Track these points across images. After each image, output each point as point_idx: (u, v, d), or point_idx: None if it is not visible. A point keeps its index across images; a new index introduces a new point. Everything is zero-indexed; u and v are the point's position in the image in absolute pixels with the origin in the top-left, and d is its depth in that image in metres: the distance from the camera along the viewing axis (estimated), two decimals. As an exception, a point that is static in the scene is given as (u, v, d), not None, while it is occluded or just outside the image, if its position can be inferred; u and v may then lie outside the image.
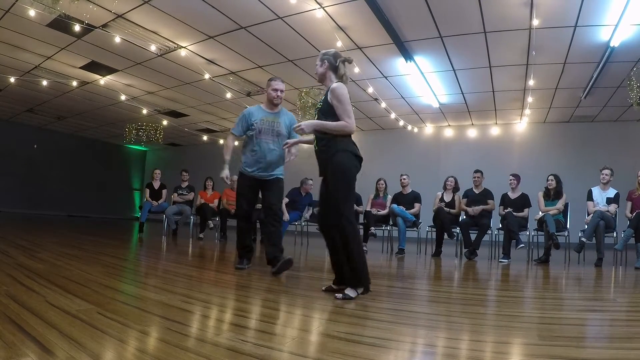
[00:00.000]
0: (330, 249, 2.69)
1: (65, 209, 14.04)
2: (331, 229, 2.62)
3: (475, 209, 6.01)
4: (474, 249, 5.83)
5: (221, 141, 14.18)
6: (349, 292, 2.45)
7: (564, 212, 5.89)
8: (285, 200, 6.66)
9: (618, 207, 5.59)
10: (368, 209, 6.77)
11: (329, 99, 2.63)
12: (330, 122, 2.57)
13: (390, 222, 6.60)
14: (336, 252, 2.62)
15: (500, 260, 5.60)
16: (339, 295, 2.44)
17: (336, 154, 2.56)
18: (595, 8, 5.06)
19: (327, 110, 2.63)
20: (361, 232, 6.70)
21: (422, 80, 7.76)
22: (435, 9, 5.40)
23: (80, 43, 6.86)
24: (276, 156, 3.57)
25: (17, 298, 1.94)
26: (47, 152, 13.93)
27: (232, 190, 7.76)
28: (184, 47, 6.92)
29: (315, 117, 2.74)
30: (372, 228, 6.41)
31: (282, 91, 3.59)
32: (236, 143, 3.73)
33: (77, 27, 6.02)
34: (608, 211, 5.47)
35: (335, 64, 2.74)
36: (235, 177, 7.85)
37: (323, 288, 2.71)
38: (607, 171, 5.74)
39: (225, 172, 3.65)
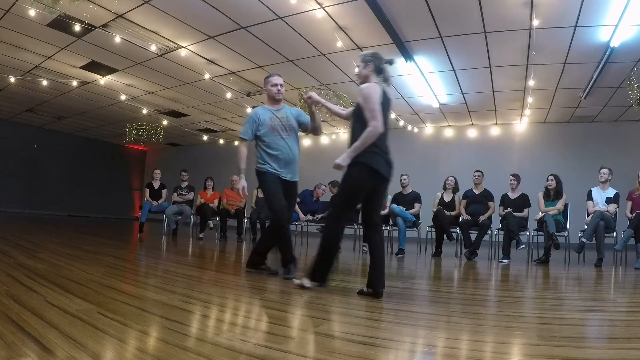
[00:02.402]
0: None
1: (65, 209, 14.03)
2: (369, 231, 2.74)
3: (480, 221, 5.97)
4: (474, 249, 5.83)
5: (221, 141, 14.20)
6: (305, 281, 2.69)
7: (564, 213, 5.89)
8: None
9: (618, 207, 5.59)
10: (368, 209, 6.76)
11: (359, 100, 2.63)
12: (358, 141, 2.54)
13: (390, 222, 6.60)
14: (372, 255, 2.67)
15: (500, 260, 5.60)
16: (297, 281, 2.73)
17: (350, 165, 2.58)
18: (595, 8, 5.06)
19: (358, 113, 2.63)
20: (361, 232, 6.71)
21: (422, 80, 7.75)
22: (435, 9, 5.40)
23: (80, 43, 6.86)
24: (297, 150, 3.44)
25: (17, 298, 1.94)
26: (48, 152, 13.92)
27: (232, 190, 7.79)
28: (184, 47, 6.92)
29: (351, 120, 2.76)
30: (372, 228, 6.40)
31: (281, 85, 3.45)
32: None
33: (77, 27, 6.01)
34: (608, 211, 5.47)
35: (380, 66, 2.72)
36: (236, 178, 7.95)
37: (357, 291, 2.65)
38: (605, 170, 5.75)
39: (243, 182, 3.38)
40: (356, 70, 2.80)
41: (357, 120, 2.63)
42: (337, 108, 3.25)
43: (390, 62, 2.77)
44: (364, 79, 2.73)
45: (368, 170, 2.55)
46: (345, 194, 2.69)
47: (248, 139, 3.37)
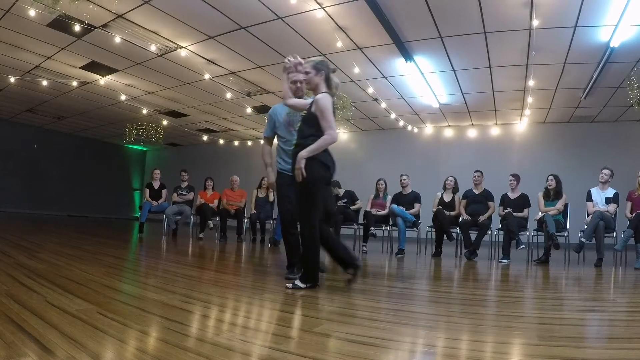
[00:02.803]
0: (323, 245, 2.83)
1: (65, 209, 14.03)
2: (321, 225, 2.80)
3: (480, 221, 5.97)
4: (474, 249, 5.82)
5: (221, 141, 14.21)
6: (298, 282, 2.70)
7: (564, 213, 5.89)
8: None
9: (618, 207, 5.59)
10: (368, 209, 6.76)
11: (313, 109, 2.76)
12: (314, 144, 2.67)
13: (390, 223, 6.60)
14: (327, 245, 2.79)
15: (500, 260, 5.60)
16: (289, 285, 2.69)
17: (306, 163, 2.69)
18: (595, 8, 5.06)
19: (311, 120, 2.76)
20: (361, 232, 6.71)
21: (422, 80, 7.75)
22: (435, 9, 5.40)
23: (80, 43, 6.86)
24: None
25: (17, 298, 1.94)
26: (48, 152, 13.92)
27: (232, 190, 7.79)
28: (184, 47, 6.92)
29: (299, 125, 2.90)
30: (372, 228, 6.40)
31: (301, 82, 3.30)
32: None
33: (77, 27, 6.01)
34: (607, 211, 5.48)
35: (328, 75, 2.84)
36: (236, 178, 7.95)
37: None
38: (606, 171, 5.74)
39: (272, 177, 3.43)
40: (305, 74, 2.87)
41: (310, 126, 2.75)
42: (289, 92, 3.10)
43: (333, 71, 2.92)
44: (315, 87, 2.84)
45: (321, 164, 2.70)
46: (306, 191, 2.71)
47: (269, 136, 3.48)
